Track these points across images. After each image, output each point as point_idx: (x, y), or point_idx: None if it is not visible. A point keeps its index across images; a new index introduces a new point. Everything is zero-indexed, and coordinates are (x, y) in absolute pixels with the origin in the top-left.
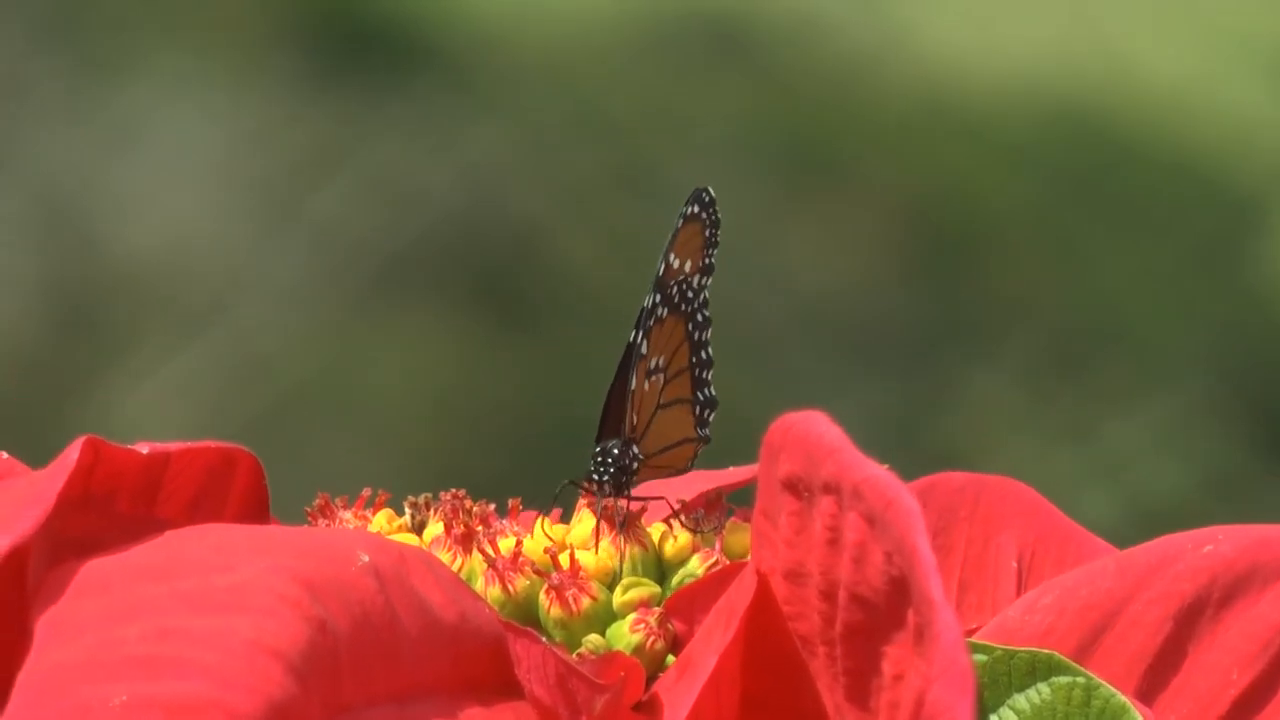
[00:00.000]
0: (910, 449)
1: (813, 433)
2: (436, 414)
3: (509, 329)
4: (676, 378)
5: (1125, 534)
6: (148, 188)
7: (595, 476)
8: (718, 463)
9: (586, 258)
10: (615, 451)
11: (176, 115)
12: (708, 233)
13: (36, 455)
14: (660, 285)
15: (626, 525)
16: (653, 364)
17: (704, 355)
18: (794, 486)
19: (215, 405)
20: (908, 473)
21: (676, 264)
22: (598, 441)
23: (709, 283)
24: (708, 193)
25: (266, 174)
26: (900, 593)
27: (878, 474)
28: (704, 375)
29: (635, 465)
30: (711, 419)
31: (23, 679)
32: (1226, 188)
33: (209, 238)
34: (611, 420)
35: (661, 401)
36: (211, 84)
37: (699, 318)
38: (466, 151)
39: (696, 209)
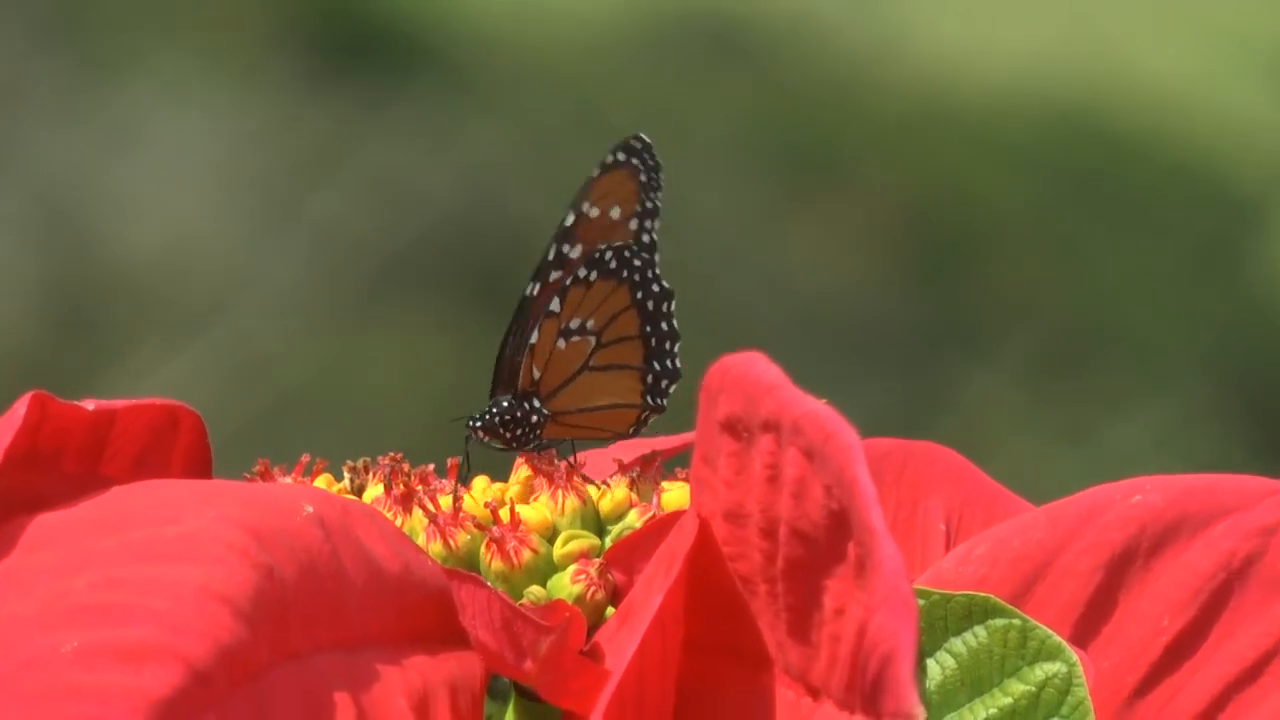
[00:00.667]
0: None
1: (751, 372)
2: (435, 414)
3: None
4: (618, 344)
5: None
6: (147, 188)
7: (491, 429)
8: None
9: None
10: (505, 404)
11: (176, 116)
12: (644, 177)
13: None
14: (567, 237)
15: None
16: (573, 324)
17: (664, 326)
18: (733, 427)
19: (215, 405)
20: None
21: (596, 213)
22: (491, 396)
23: (655, 229)
24: (639, 139)
25: (266, 174)
26: (840, 526)
27: (817, 408)
28: (665, 346)
29: (537, 419)
30: (671, 389)
31: None
32: (1226, 188)
33: (208, 238)
34: (505, 374)
35: (592, 364)
36: (211, 84)
37: (653, 288)
38: (466, 152)
39: (624, 155)
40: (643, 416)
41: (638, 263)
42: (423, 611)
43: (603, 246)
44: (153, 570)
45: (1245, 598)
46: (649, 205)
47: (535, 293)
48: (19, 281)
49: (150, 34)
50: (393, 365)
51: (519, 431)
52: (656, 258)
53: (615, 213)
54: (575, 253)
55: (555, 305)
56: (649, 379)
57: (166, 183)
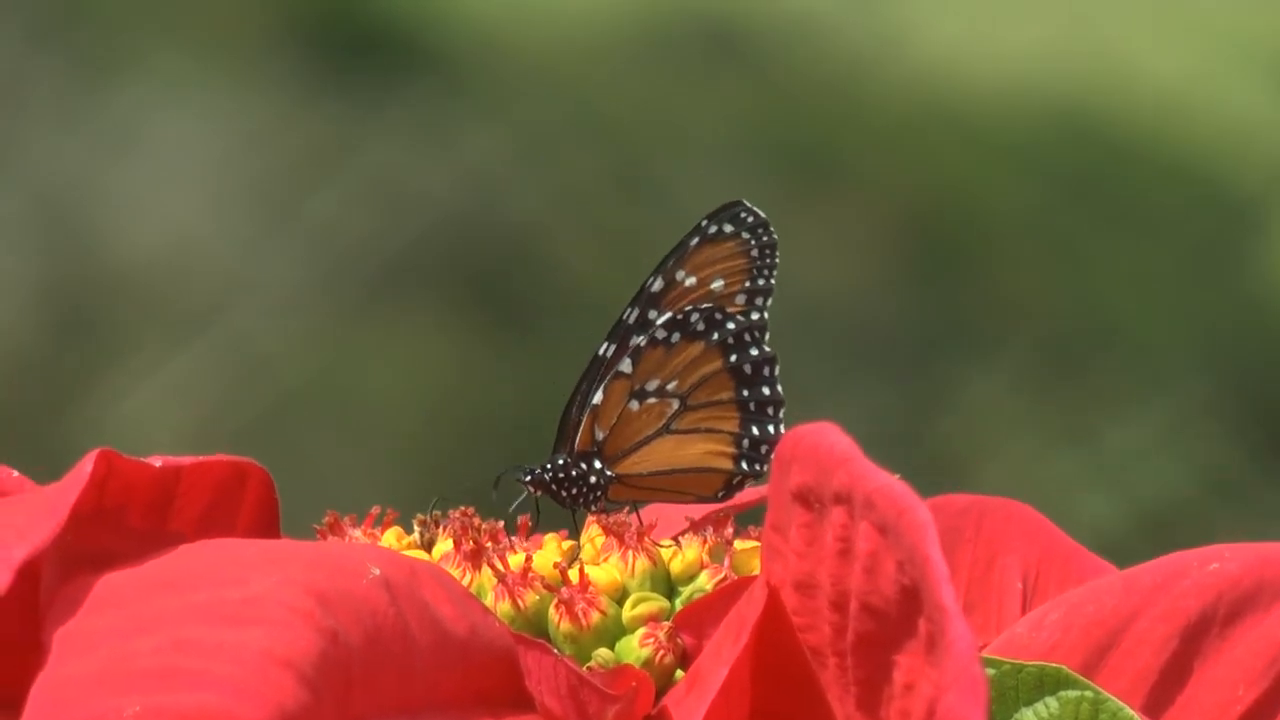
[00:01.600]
0: (909, 451)
1: (824, 443)
2: (434, 416)
3: (507, 332)
4: (708, 407)
5: (1124, 536)
6: (146, 190)
7: (542, 485)
8: None
9: (584, 260)
10: (560, 462)
11: (175, 117)
12: (755, 253)
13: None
14: (653, 302)
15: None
16: (650, 386)
17: (764, 391)
18: (805, 498)
19: (214, 407)
20: (907, 474)
21: (693, 282)
22: (553, 452)
23: (767, 305)
24: (747, 208)
25: (265, 176)
26: (912, 602)
27: (890, 483)
28: (766, 411)
29: (596, 480)
30: (771, 456)
31: (36, 691)
32: (1225, 190)
33: (207, 238)
34: (568, 432)
35: (674, 427)
36: (211, 85)
37: (750, 352)
38: (464, 154)
39: (730, 228)
40: (734, 481)
41: (731, 325)
42: (489, 673)
43: (689, 308)
44: (217, 634)
45: None
46: (761, 283)
47: (609, 353)
48: (18, 282)
49: (149, 35)
50: (392, 366)
51: (574, 491)
52: (760, 326)
53: (718, 285)
54: (660, 318)
55: (627, 366)
56: (744, 444)
57: (166, 183)
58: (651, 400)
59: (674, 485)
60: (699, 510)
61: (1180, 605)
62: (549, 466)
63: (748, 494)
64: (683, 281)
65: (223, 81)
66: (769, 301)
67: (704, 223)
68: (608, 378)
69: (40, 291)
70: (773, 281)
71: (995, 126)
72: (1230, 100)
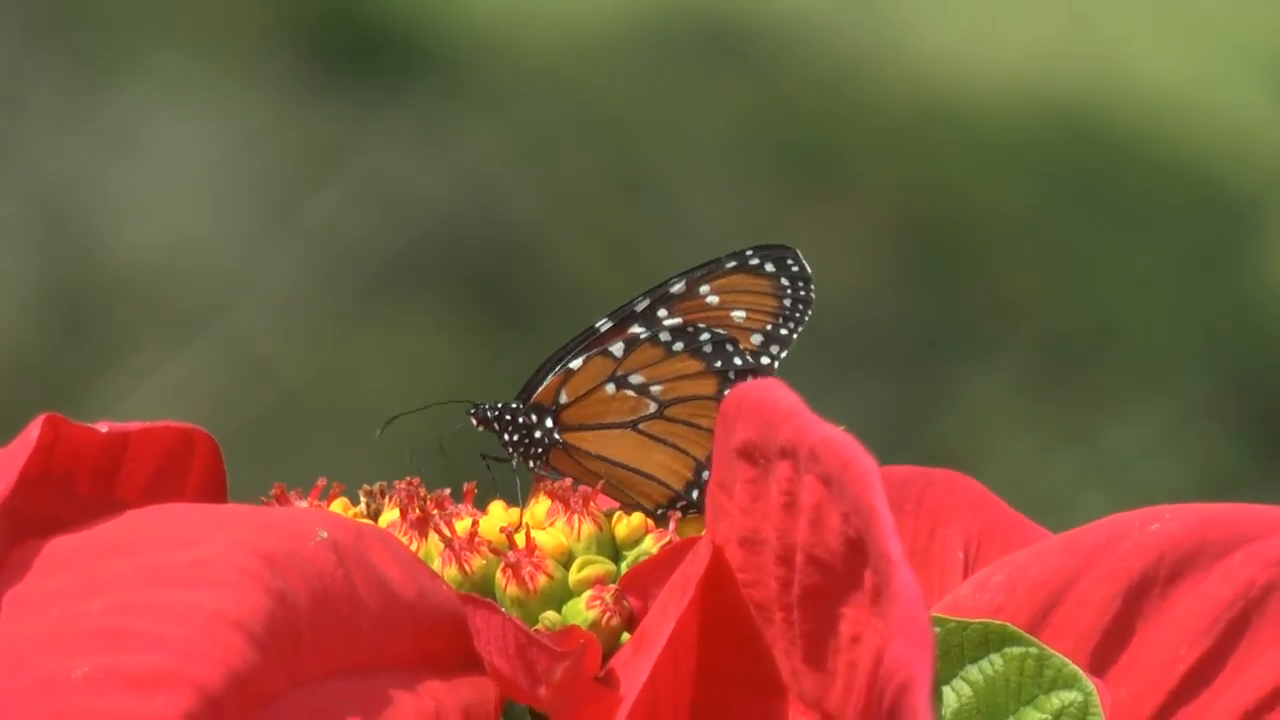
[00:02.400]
0: (908, 452)
1: (769, 399)
2: (434, 416)
3: (506, 331)
4: (682, 425)
5: None
6: (145, 190)
7: (495, 426)
8: None
9: (584, 260)
10: (513, 405)
11: (174, 117)
12: (788, 302)
13: None
14: (667, 301)
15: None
16: (634, 379)
17: None
18: (750, 454)
19: (213, 407)
20: None
21: (715, 302)
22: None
23: (780, 355)
24: (796, 257)
25: (264, 177)
26: (857, 553)
27: (835, 435)
28: None
29: (541, 435)
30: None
31: None
32: (1224, 191)
33: (207, 239)
34: (532, 386)
35: (641, 427)
36: (210, 86)
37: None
38: (464, 155)
39: (772, 267)
40: (678, 504)
41: (738, 361)
42: (437, 636)
43: (703, 327)
44: (165, 595)
45: (1263, 626)
46: (783, 331)
47: (605, 329)
48: (18, 282)
49: (149, 35)
50: (391, 366)
51: (516, 437)
52: (770, 368)
53: (739, 315)
54: (669, 320)
55: (619, 350)
56: (703, 474)
57: (165, 184)
58: (629, 392)
59: (617, 478)
60: None
61: (1122, 565)
62: (499, 405)
63: None
64: (704, 296)
65: (223, 82)
66: (784, 352)
67: (748, 252)
68: (593, 351)
69: (40, 291)
70: (795, 335)
71: (995, 127)
72: (1230, 101)
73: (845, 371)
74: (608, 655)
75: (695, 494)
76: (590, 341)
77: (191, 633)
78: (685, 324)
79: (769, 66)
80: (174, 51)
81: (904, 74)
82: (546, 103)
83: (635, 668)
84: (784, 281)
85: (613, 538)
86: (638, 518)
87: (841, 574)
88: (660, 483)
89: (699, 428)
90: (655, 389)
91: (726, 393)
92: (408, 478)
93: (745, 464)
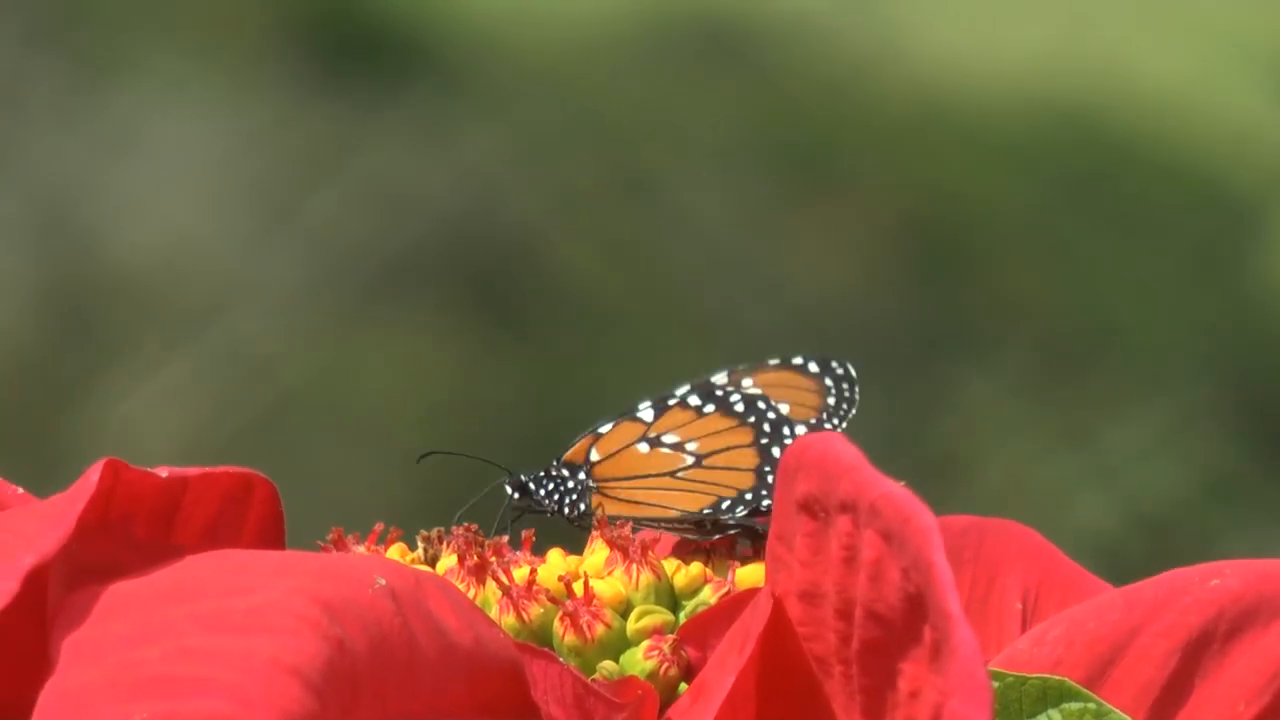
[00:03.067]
0: (907, 453)
1: (830, 452)
2: (432, 418)
3: (505, 333)
4: (724, 470)
5: (1123, 537)
6: (145, 190)
7: (531, 485)
8: None
9: (583, 262)
10: (545, 468)
11: (173, 119)
12: (831, 400)
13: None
14: (702, 386)
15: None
16: (666, 439)
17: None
18: (810, 507)
19: (212, 409)
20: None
21: (756, 393)
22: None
23: None
24: (841, 363)
25: (263, 178)
26: (917, 609)
27: (895, 491)
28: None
29: (577, 485)
30: (740, 514)
31: (44, 699)
32: (1224, 192)
33: (206, 240)
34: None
35: (680, 475)
36: (209, 87)
37: (785, 440)
38: (463, 156)
39: (816, 368)
40: (723, 505)
41: (771, 415)
42: (494, 685)
43: (730, 388)
44: (223, 642)
45: None
46: (826, 428)
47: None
48: (17, 284)
49: (148, 36)
50: (389, 369)
51: (550, 488)
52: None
53: (783, 408)
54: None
55: (647, 415)
56: (748, 496)
57: (164, 185)
58: (664, 450)
59: (659, 498)
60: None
61: (1182, 621)
62: (535, 473)
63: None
64: (747, 389)
65: (222, 82)
66: None
67: (795, 358)
68: (622, 417)
69: (39, 292)
70: (840, 430)
71: (995, 127)
72: (1229, 102)
73: None
74: (665, 706)
75: (749, 496)
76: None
77: (249, 679)
78: (712, 391)
79: (769, 67)
80: (173, 52)
81: (904, 74)
82: (546, 103)
83: (693, 718)
84: (828, 382)
85: (671, 587)
86: (696, 568)
87: (901, 629)
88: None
89: (739, 470)
90: (690, 445)
91: (763, 442)
92: (466, 524)
93: (805, 517)
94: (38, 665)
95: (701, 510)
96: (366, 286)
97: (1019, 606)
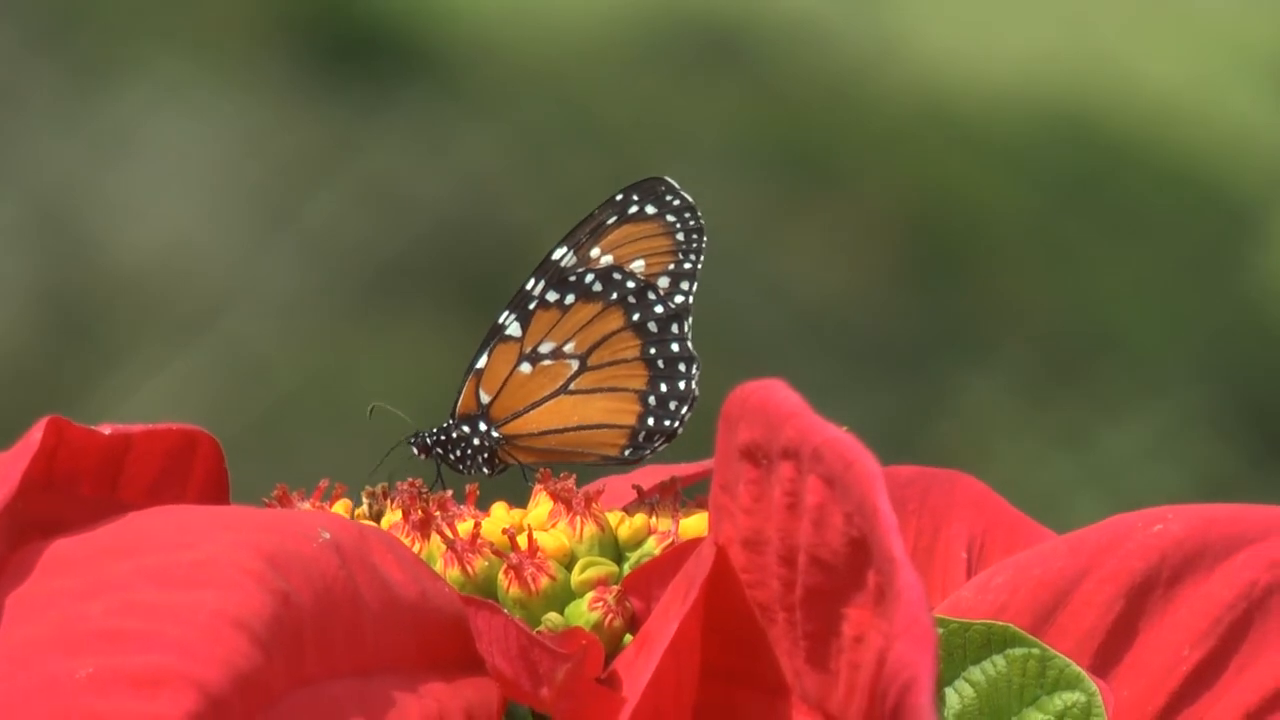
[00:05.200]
0: (906, 455)
1: (772, 399)
2: (431, 420)
3: None
4: (610, 366)
5: None
6: (143, 193)
7: (438, 451)
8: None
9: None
10: (443, 425)
11: (171, 121)
12: (680, 236)
13: None
14: (550, 271)
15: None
16: (544, 349)
17: (673, 348)
18: (752, 454)
19: (211, 411)
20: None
21: (608, 260)
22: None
23: (692, 290)
24: (671, 188)
25: (262, 180)
26: (861, 554)
27: (838, 436)
28: (676, 368)
29: (480, 442)
30: (683, 411)
31: None
32: (1223, 195)
33: (204, 243)
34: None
35: (573, 388)
36: (207, 90)
37: (655, 309)
38: (461, 158)
39: (653, 209)
40: (640, 437)
41: (630, 284)
42: (439, 638)
43: (581, 269)
44: (168, 596)
45: (1265, 627)
46: (687, 266)
47: (508, 322)
48: (15, 287)
49: (146, 39)
50: (387, 371)
51: (458, 453)
52: (690, 319)
53: (639, 265)
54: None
55: (515, 330)
56: (651, 400)
57: (162, 188)
58: (546, 362)
59: (571, 443)
60: (648, 480)
61: (1125, 566)
62: (433, 430)
63: (694, 466)
64: (597, 259)
65: (219, 85)
66: (695, 286)
67: (619, 197)
68: (493, 341)
69: (37, 295)
70: (699, 265)
71: (993, 130)
72: (1228, 105)
73: (843, 374)
74: (610, 657)
75: (652, 421)
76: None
77: (194, 633)
78: (566, 278)
79: (767, 69)
80: (172, 55)
81: (903, 77)
82: (544, 106)
83: (638, 669)
84: (670, 218)
85: (615, 539)
86: (640, 519)
87: (844, 574)
88: (611, 427)
89: (625, 361)
90: (568, 348)
91: (635, 318)
92: (410, 479)
93: (748, 464)
94: None
95: (623, 452)
96: (365, 288)
97: (964, 556)
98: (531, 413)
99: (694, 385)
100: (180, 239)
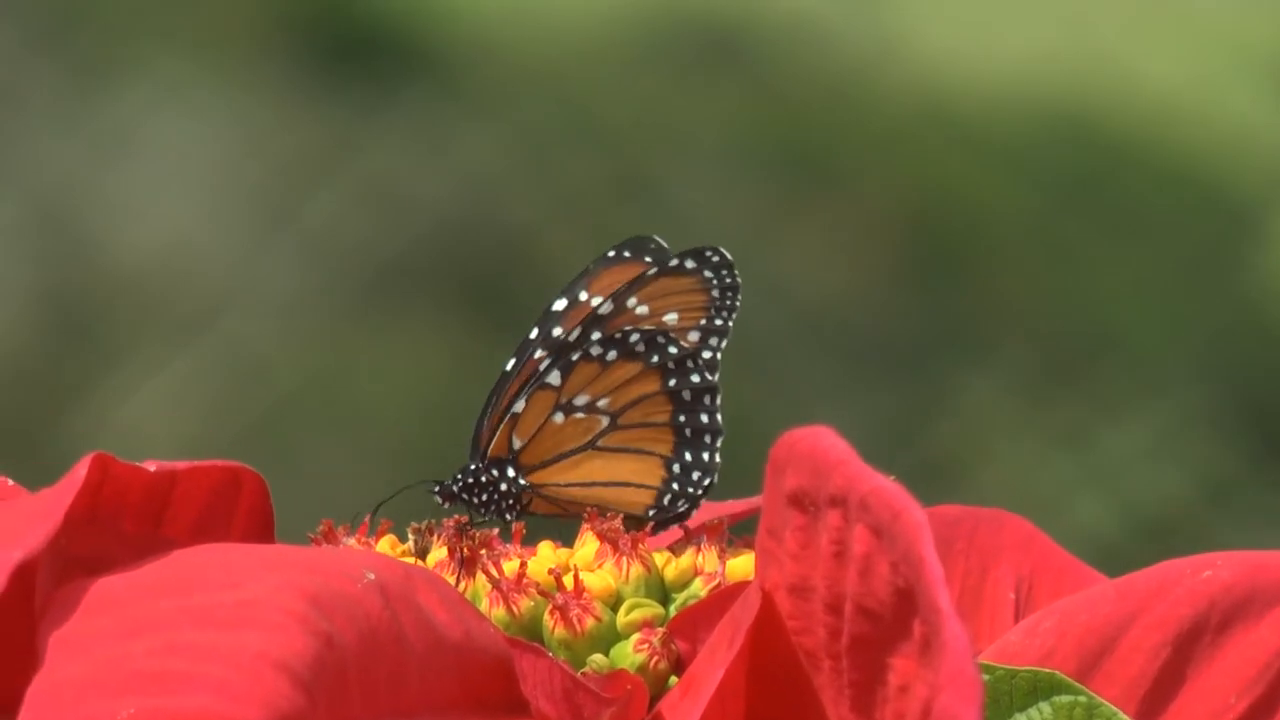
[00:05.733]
0: (906, 456)
1: (819, 446)
2: (430, 420)
3: (504, 335)
4: (639, 428)
5: (1121, 540)
6: (143, 193)
7: (464, 496)
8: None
9: (582, 264)
10: (472, 469)
11: (171, 122)
12: (715, 293)
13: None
14: (600, 325)
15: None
16: (579, 401)
17: (703, 420)
18: (800, 501)
19: (210, 411)
20: (904, 477)
21: (644, 311)
22: (471, 459)
23: (721, 346)
24: (715, 249)
25: (262, 180)
26: (907, 603)
27: (885, 485)
28: (702, 439)
29: (508, 488)
30: (704, 483)
31: (32, 694)
32: (1223, 195)
33: (204, 243)
34: (482, 443)
35: (601, 444)
36: (207, 90)
37: (692, 379)
38: (461, 158)
39: (692, 264)
40: (664, 500)
41: (673, 350)
42: (484, 679)
43: (629, 329)
44: (211, 636)
45: None
46: (718, 323)
47: (513, 369)
48: (15, 286)
49: (146, 40)
50: (387, 371)
51: (484, 497)
52: (718, 373)
53: (672, 318)
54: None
55: (555, 379)
56: (675, 468)
57: (162, 188)
58: (579, 415)
59: (595, 498)
60: (693, 522)
61: (1174, 612)
62: (458, 475)
63: (742, 504)
64: (633, 309)
65: (219, 86)
66: (724, 343)
67: (673, 260)
68: (532, 388)
69: (37, 296)
70: (730, 323)
71: (993, 131)
72: (1228, 105)
73: (843, 375)
74: (655, 699)
75: (675, 486)
76: (515, 381)
77: (236, 675)
78: (613, 334)
79: (767, 69)
80: (171, 55)
81: (902, 77)
82: (544, 105)
83: (683, 712)
84: (708, 274)
85: (661, 580)
86: (686, 560)
87: (890, 624)
88: (638, 486)
89: (654, 425)
90: (602, 403)
91: (671, 384)
92: (455, 516)
93: (795, 511)
94: (26, 660)
95: (647, 512)
96: (365, 288)
97: (1012, 597)
98: (560, 463)
99: (717, 458)
100: (180, 239)
